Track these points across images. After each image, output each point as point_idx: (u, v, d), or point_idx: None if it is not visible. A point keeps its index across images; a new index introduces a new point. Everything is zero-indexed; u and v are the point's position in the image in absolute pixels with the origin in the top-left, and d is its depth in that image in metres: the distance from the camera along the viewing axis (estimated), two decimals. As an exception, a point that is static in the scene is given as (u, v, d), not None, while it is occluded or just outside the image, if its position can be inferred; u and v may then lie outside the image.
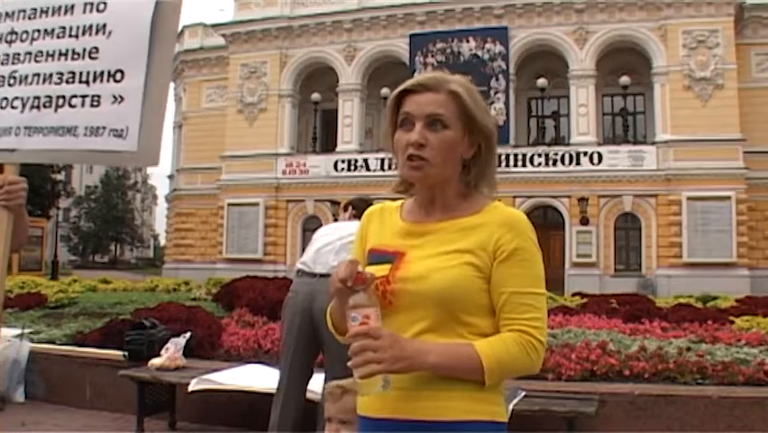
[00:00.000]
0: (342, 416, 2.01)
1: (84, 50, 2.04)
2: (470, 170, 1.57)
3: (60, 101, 2.06)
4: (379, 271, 1.49)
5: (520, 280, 1.48)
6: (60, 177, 43.76)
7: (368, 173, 25.62)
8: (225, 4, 46.76)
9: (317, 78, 28.59)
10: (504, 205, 1.57)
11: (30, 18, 2.13)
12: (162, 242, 58.07)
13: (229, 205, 27.82)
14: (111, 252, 71.34)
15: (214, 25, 30.08)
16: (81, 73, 2.04)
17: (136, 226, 74.27)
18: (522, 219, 1.53)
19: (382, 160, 24.89)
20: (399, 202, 1.68)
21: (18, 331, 6.72)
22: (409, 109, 1.53)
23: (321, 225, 23.06)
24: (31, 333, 6.97)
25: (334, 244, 4.08)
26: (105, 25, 2.03)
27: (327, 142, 28.68)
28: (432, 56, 26.15)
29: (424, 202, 1.59)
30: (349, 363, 1.37)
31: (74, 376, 6.24)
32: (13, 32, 2.15)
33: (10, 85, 2.13)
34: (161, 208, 54.29)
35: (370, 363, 1.35)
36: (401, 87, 1.56)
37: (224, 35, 29.27)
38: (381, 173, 24.47)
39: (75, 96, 2.04)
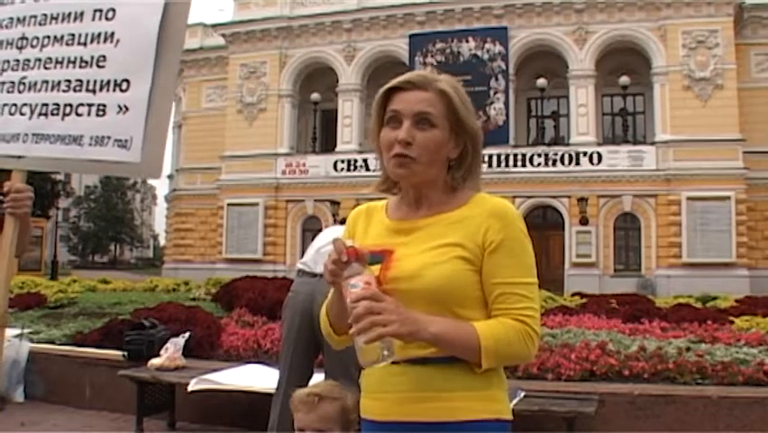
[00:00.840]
0: (319, 425, 1.90)
1: (92, 58, 2.02)
2: (456, 170, 1.56)
3: (67, 109, 2.04)
4: None
5: (511, 270, 1.47)
6: (60, 177, 43.73)
7: (367, 173, 25.59)
8: (225, 4, 46.88)
9: (317, 78, 28.59)
10: (490, 196, 1.56)
11: (41, 24, 2.12)
12: (162, 242, 58.08)
13: (229, 205, 27.81)
14: (110, 252, 71.38)
15: (213, 25, 30.08)
16: (88, 81, 2.02)
17: (136, 226, 74.31)
18: (509, 209, 1.53)
19: (382, 160, 24.80)
20: (384, 201, 1.66)
21: (18, 331, 6.71)
22: (397, 107, 1.51)
23: (321, 225, 22.81)
24: (30, 333, 6.97)
25: (335, 243, 4.07)
26: (113, 33, 2.01)
27: (327, 143, 28.67)
28: (431, 56, 26.15)
29: (409, 199, 1.58)
30: (352, 330, 1.33)
31: (73, 376, 6.24)
32: (23, 38, 2.13)
33: (20, 91, 2.11)
34: (161, 208, 54.29)
35: (376, 325, 1.32)
36: (389, 85, 1.54)
37: (223, 35, 29.27)
38: (380, 173, 24.41)
39: (81, 105, 2.03)
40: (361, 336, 1.32)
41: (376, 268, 1.47)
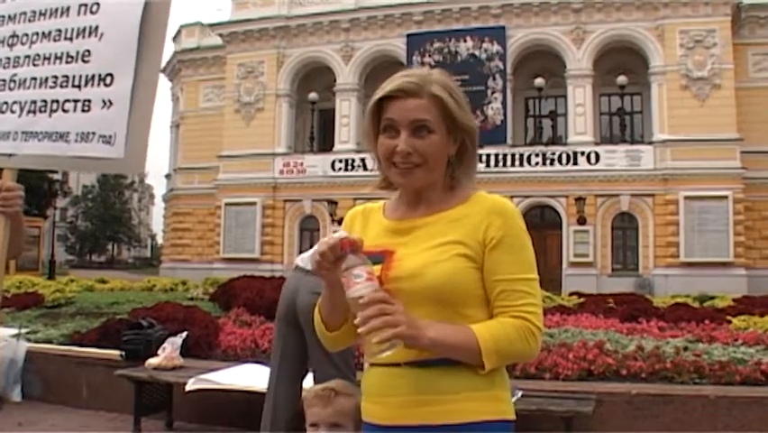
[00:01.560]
0: (335, 419, 1.88)
1: (77, 53, 2.01)
2: (456, 167, 1.55)
3: (54, 106, 2.03)
4: None
5: (512, 267, 1.46)
6: (57, 176, 43.66)
7: (365, 173, 25.53)
8: (223, 3, 46.75)
9: (315, 78, 28.59)
10: (488, 193, 1.55)
11: (30, 21, 2.10)
12: (160, 241, 58.06)
13: (226, 204, 27.79)
14: (108, 251, 71.31)
15: (211, 25, 30.05)
16: (74, 77, 2.01)
17: (133, 226, 74.25)
18: (509, 206, 1.53)
19: (380, 159, 24.80)
20: (382, 202, 1.65)
21: (15, 331, 6.71)
22: (393, 116, 1.49)
23: (318, 225, 22.68)
24: (28, 332, 6.96)
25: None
26: (97, 27, 2.00)
27: (325, 142, 28.66)
28: (429, 55, 26.14)
29: (409, 199, 1.57)
30: (364, 329, 1.33)
31: (71, 376, 6.23)
32: (14, 36, 2.12)
33: (10, 89, 2.10)
34: (159, 208, 54.26)
35: (389, 326, 1.32)
36: (381, 94, 1.51)
37: (221, 35, 29.25)
38: (379, 173, 24.40)
39: (68, 101, 2.01)
40: (373, 334, 1.32)
41: (377, 268, 1.45)
